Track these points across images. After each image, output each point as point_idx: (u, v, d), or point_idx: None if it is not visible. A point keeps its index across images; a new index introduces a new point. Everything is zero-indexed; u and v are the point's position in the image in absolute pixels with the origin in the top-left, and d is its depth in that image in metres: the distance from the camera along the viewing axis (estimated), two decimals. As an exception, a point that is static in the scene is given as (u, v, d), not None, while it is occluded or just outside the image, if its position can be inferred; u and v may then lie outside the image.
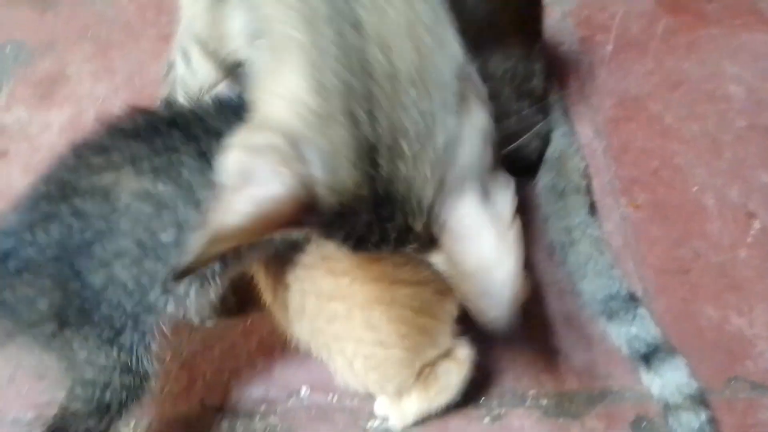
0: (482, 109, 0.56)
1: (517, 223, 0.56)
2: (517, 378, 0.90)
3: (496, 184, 0.56)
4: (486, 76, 0.90)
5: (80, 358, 0.70)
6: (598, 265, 0.95)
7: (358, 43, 0.52)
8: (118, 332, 0.70)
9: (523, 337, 0.92)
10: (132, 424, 0.84)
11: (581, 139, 1.11)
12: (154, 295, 0.71)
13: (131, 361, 0.71)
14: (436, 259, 0.58)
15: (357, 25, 0.52)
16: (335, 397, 0.89)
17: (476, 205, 0.54)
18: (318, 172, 0.52)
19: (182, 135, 0.74)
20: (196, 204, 0.71)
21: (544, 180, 1.04)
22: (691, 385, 0.84)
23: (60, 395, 0.71)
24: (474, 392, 0.85)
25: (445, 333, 0.80)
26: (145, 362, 0.72)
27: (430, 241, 0.56)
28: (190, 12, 0.85)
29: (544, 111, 1.04)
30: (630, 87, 1.20)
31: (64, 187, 0.72)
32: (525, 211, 1.04)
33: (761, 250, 0.99)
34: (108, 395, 0.71)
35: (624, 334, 0.89)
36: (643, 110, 1.17)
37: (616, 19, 1.31)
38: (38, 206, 0.72)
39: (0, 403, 0.89)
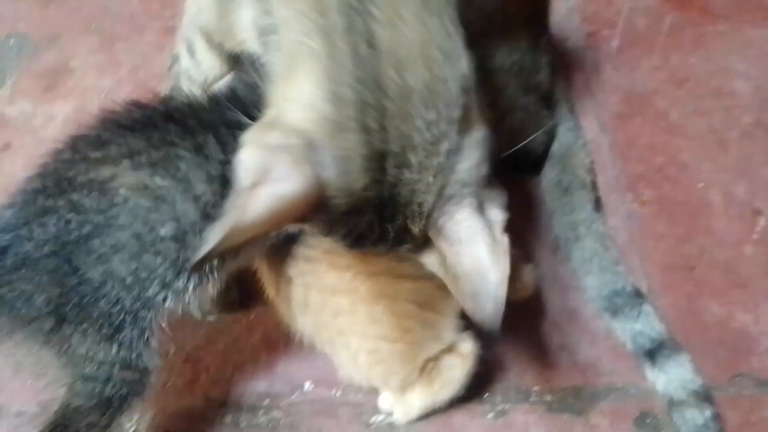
0: (481, 122, 0.59)
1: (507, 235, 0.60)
2: (521, 373, 0.90)
3: (490, 195, 0.60)
4: (493, 69, 0.91)
5: (79, 354, 0.70)
6: (603, 261, 0.94)
7: (372, 59, 0.54)
8: (118, 329, 0.70)
9: (528, 333, 0.92)
10: (135, 418, 0.83)
11: (587, 134, 1.10)
12: (153, 290, 0.71)
13: (131, 357, 0.71)
14: (428, 259, 0.62)
15: (371, 41, 0.54)
16: (339, 392, 0.89)
17: (472, 213, 0.58)
18: (330, 174, 0.55)
19: (179, 129, 0.74)
20: (194, 198, 0.71)
21: (549, 175, 1.04)
22: (695, 382, 0.84)
23: (61, 392, 0.71)
24: (478, 387, 0.85)
25: (448, 327, 0.80)
26: (145, 358, 0.72)
27: (424, 242, 0.60)
28: (196, 4, 0.85)
29: (551, 105, 1.04)
30: (636, 83, 1.20)
31: (61, 181, 0.72)
32: (530, 206, 1.04)
33: (767, 247, 0.99)
34: (109, 390, 0.71)
35: (629, 330, 0.89)
36: (649, 106, 1.16)
37: (623, 15, 1.31)
38: (35, 201, 0.71)
39: (4, 396, 0.90)
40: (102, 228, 0.69)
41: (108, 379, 0.70)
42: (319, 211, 0.56)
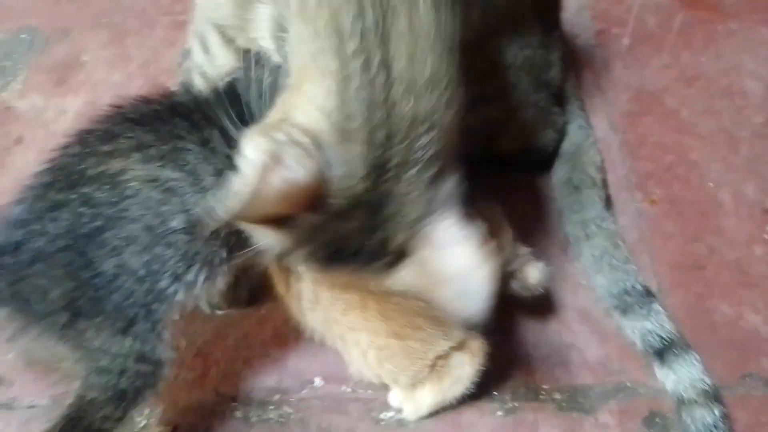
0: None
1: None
2: (530, 372, 0.90)
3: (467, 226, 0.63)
4: (505, 65, 0.91)
5: (94, 347, 0.70)
6: (613, 259, 0.94)
7: (385, 84, 0.59)
8: (131, 321, 0.71)
9: (537, 331, 0.92)
10: (146, 412, 0.84)
11: (597, 132, 1.10)
12: (165, 282, 0.72)
13: (145, 349, 0.72)
14: (404, 273, 0.64)
15: (387, 70, 0.59)
16: (349, 388, 0.89)
17: (455, 223, 0.62)
18: (333, 174, 0.58)
19: (185, 123, 0.75)
20: (203, 190, 0.72)
21: (559, 173, 1.04)
22: (704, 381, 0.84)
23: (73, 385, 0.71)
24: (487, 385, 0.85)
25: (458, 325, 0.80)
26: (158, 350, 0.72)
27: (398, 257, 0.63)
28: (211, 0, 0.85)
29: (562, 102, 1.03)
30: (646, 81, 1.20)
31: (72, 175, 0.72)
32: (540, 204, 1.04)
33: (777, 247, 0.99)
34: (123, 383, 0.71)
35: (638, 329, 0.89)
36: (659, 105, 1.16)
37: (633, 13, 1.31)
38: (47, 196, 0.72)
39: (16, 389, 0.90)
40: (114, 221, 0.70)
41: (122, 372, 0.70)
42: (314, 208, 0.59)
